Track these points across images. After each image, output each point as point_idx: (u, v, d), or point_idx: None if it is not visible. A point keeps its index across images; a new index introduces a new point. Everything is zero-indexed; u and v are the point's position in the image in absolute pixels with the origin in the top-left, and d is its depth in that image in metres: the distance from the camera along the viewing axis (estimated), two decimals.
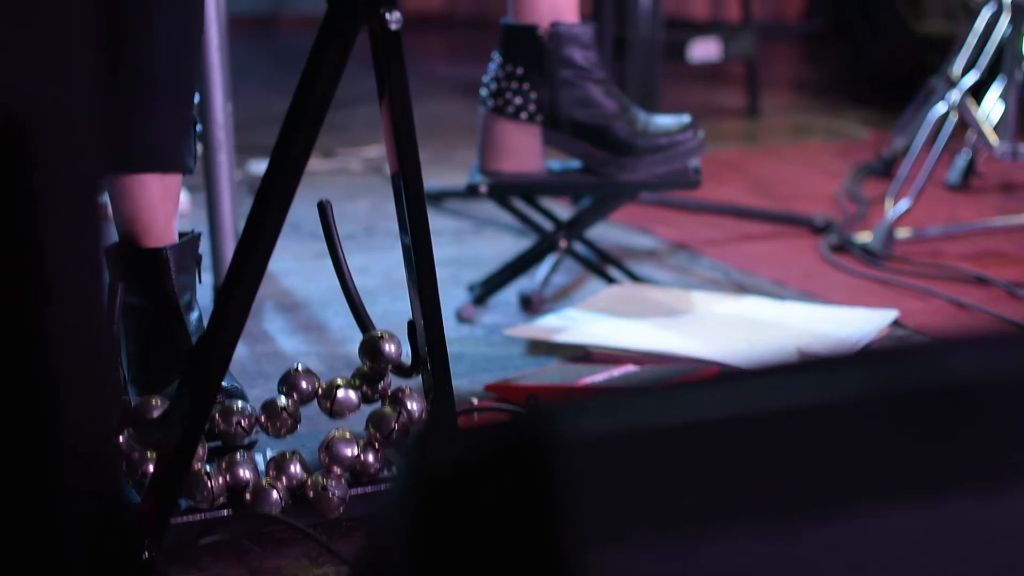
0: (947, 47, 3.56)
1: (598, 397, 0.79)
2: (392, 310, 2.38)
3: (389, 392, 1.77)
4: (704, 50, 3.95)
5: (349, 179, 3.34)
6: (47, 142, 0.68)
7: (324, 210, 1.77)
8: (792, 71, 5.00)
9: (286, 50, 5.12)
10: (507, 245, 2.80)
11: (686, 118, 2.39)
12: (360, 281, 1.80)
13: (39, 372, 0.70)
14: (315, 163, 3.21)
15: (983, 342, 0.85)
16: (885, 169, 3.38)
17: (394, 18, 1.54)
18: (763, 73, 4.21)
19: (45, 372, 0.70)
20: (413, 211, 1.69)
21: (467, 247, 2.83)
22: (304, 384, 1.77)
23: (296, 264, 2.68)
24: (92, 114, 0.71)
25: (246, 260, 1.61)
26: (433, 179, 2.95)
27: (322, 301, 2.52)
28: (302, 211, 2.48)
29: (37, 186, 0.67)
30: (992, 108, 3.09)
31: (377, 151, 3.46)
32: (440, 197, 3.05)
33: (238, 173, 2.72)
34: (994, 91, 3.09)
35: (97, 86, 0.73)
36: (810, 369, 0.80)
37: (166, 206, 1.94)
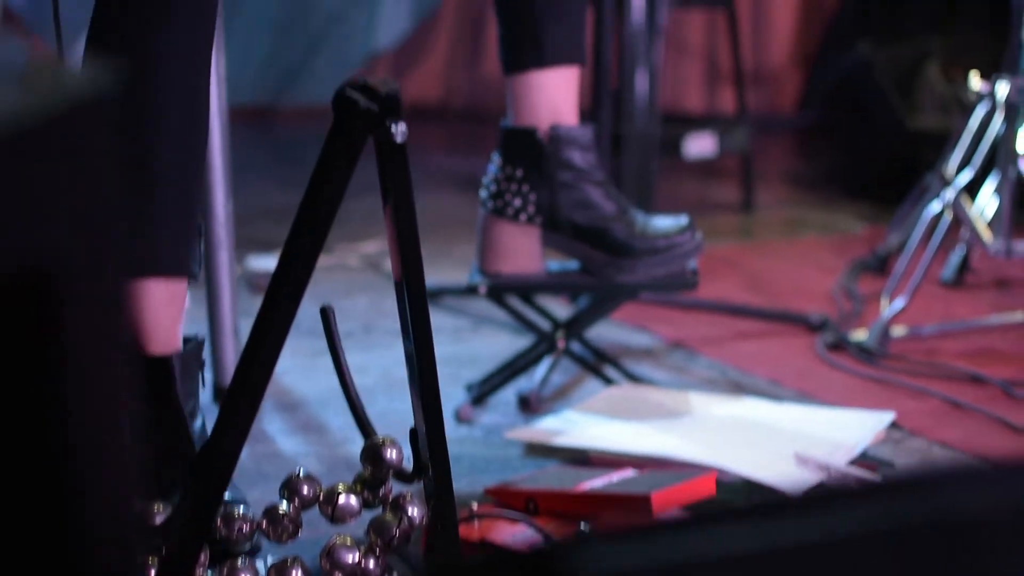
0: (941, 142, 3.58)
1: (616, 532, 0.79)
2: (390, 409, 2.39)
3: (390, 498, 1.78)
4: (700, 146, 3.98)
5: (347, 275, 3.35)
6: (75, 292, 0.69)
7: (326, 316, 1.78)
8: (786, 164, 5.03)
9: (285, 141, 5.15)
10: (505, 343, 2.81)
11: (684, 219, 2.41)
12: (358, 380, 1.82)
13: (67, 512, 0.71)
14: None
15: (986, 475, 0.86)
16: (880, 265, 3.40)
17: (399, 131, 1.57)
18: (757, 166, 4.23)
19: (73, 512, 0.71)
20: (416, 318, 1.71)
21: (465, 345, 2.85)
22: (305, 489, 1.78)
23: (294, 362, 2.68)
24: (119, 261, 0.73)
25: (251, 369, 1.63)
26: (431, 275, 2.95)
27: (321, 400, 2.53)
28: (300, 309, 2.49)
29: (65, 337, 0.68)
30: (987, 204, 3.12)
31: (375, 246, 3.47)
32: (438, 294, 3.06)
33: (237, 268, 2.74)
34: (989, 186, 3.12)
35: (122, 231, 0.74)
36: (825, 503, 0.81)
37: (170, 311, 1.96)
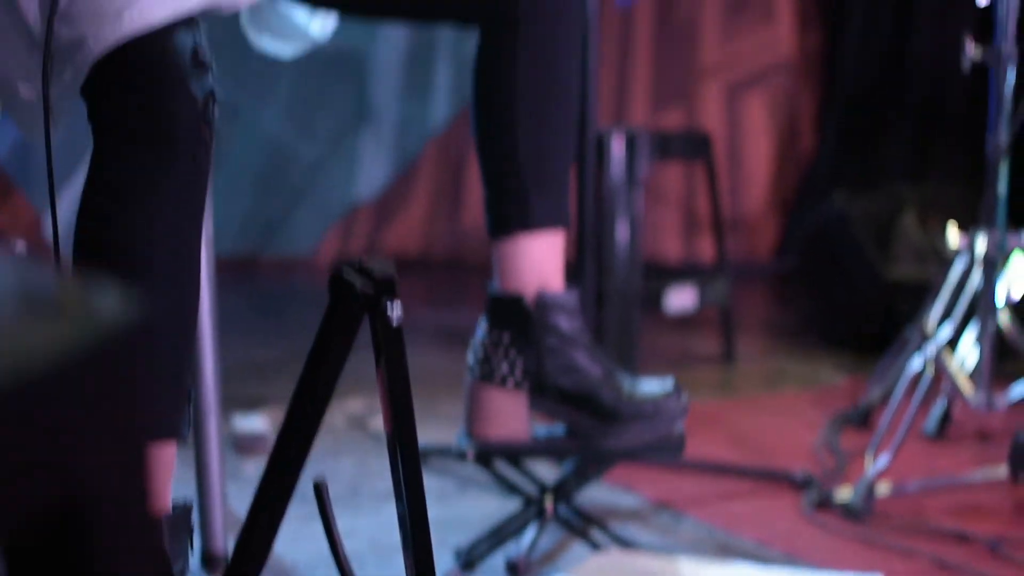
0: (919, 292, 3.62)
1: None
2: None
3: None
4: (680, 300, 4.01)
5: (333, 435, 3.35)
6: (107, 522, 0.70)
7: (320, 491, 1.79)
8: (765, 312, 5.06)
9: (266, 293, 5.17)
10: (492, 506, 2.81)
11: (670, 383, 2.42)
12: (347, 544, 1.81)
13: None
14: None
15: None
16: (862, 419, 3.42)
17: (395, 314, 1.58)
18: (736, 315, 4.26)
19: None
20: (409, 480, 1.72)
21: (452, 508, 2.84)
22: None
23: (284, 527, 2.67)
24: (145, 486, 0.74)
25: (250, 544, 1.63)
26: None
27: (309, 565, 2.52)
28: None
29: (100, 565, 0.69)
30: (967, 354, 3.14)
31: (360, 405, 3.48)
32: (425, 454, 3.07)
33: (223, 428, 2.74)
34: (969, 336, 3.15)
35: (146, 458, 0.75)
36: None
37: (159, 474, 1.96)
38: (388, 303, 1.60)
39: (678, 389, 2.42)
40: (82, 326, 0.71)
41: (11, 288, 0.75)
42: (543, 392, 2.39)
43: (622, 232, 3.75)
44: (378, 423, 3.35)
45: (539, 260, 2.41)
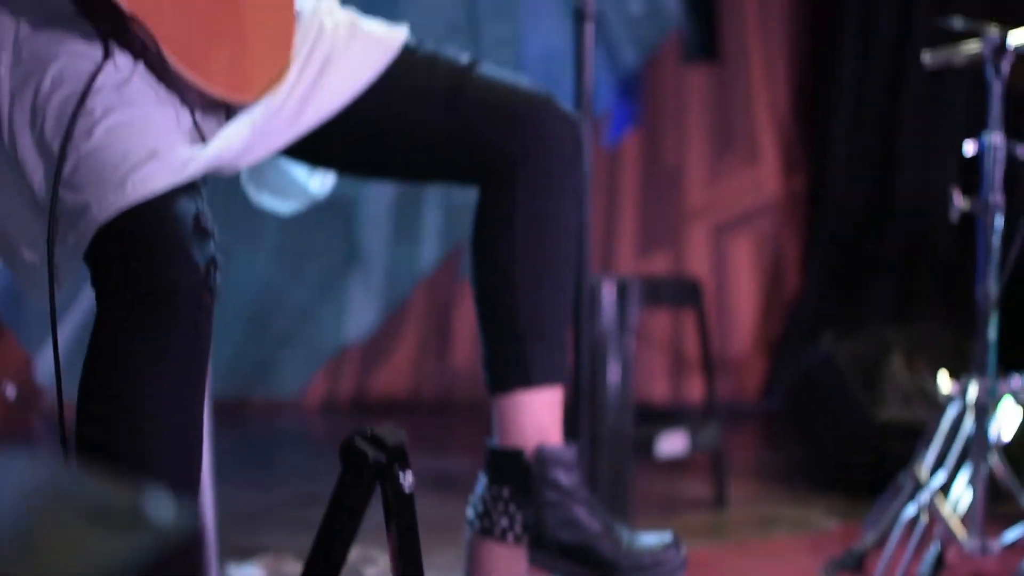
0: (908, 433, 3.62)
1: None
2: None
3: None
4: (671, 445, 4.02)
5: None
6: None
7: None
8: (754, 454, 5.06)
9: (254, 436, 5.16)
10: None
11: (668, 536, 2.43)
12: None
13: None
14: (292, 567, 3.23)
15: None
16: (856, 564, 3.41)
17: (407, 481, 1.60)
18: (726, 456, 4.26)
19: None
20: None
21: None
22: None
23: None
24: None
25: None
26: None
27: None
28: None
29: None
30: (960, 496, 3.15)
31: (354, 554, 3.47)
32: None
33: None
34: (962, 478, 3.15)
35: None
36: None
37: None
38: (400, 472, 1.62)
39: (677, 542, 2.42)
40: (142, 537, 0.72)
41: (68, 500, 0.76)
42: (543, 546, 2.40)
43: (613, 378, 3.77)
44: (372, 572, 3.35)
45: (538, 415, 2.42)
